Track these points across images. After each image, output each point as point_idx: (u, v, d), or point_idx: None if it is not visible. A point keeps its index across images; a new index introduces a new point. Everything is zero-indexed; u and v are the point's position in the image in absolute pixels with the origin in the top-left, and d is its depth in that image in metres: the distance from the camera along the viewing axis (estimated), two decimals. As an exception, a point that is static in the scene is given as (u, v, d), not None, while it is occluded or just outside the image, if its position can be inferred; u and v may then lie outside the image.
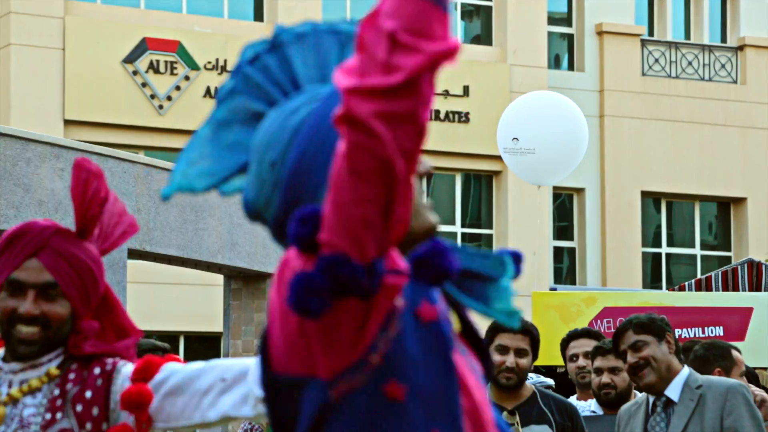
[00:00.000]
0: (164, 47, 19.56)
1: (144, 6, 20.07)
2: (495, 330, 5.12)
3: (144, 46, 19.41)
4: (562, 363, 8.08)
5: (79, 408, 2.68)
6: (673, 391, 4.95)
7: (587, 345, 6.17)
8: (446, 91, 21.11)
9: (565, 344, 6.38)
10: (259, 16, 20.77)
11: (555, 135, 10.46)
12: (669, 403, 4.97)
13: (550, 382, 7.95)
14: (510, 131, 10.64)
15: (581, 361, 6.24)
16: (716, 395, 4.89)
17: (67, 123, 18.97)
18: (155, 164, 11.97)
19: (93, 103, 19.02)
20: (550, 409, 5.06)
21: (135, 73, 19.34)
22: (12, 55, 18.80)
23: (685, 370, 4.99)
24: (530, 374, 7.99)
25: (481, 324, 2.09)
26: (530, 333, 5.14)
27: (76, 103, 19.02)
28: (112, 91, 19.13)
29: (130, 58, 19.31)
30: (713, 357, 5.95)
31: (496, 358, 5.07)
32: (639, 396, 5.25)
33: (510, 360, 5.05)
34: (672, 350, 4.97)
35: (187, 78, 19.68)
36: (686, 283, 11.27)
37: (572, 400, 6.35)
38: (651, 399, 5.02)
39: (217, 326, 14.77)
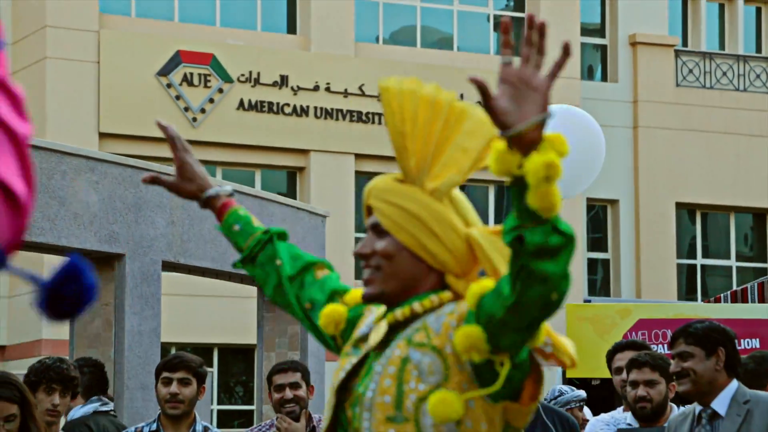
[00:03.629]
0: (198, 60, 19.63)
1: (178, 19, 20.16)
2: None
3: (178, 59, 19.50)
4: (596, 375, 8.04)
5: None
6: (720, 404, 4.92)
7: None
8: (479, 102, 21.08)
9: (610, 357, 6.33)
10: (292, 28, 20.82)
11: (572, 146, 10.49)
12: (715, 416, 4.95)
13: (583, 395, 7.90)
14: None
15: (626, 374, 6.19)
16: (763, 411, 4.86)
17: (102, 136, 19.07)
18: (189, 177, 11.97)
19: (127, 116, 19.11)
20: (553, 422, 5.04)
21: (169, 85, 19.42)
22: (47, 69, 18.93)
23: (734, 384, 4.95)
24: (564, 387, 7.96)
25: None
26: None
27: (111, 116, 19.11)
28: (147, 104, 19.22)
29: (164, 71, 19.40)
30: (765, 371, 5.89)
31: None
32: (687, 407, 5.23)
33: None
34: (720, 366, 4.94)
35: (220, 90, 19.75)
36: (722, 295, 11.19)
37: (617, 412, 6.31)
38: (698, 410, 5.01)
39: (251, 338, 14.78)
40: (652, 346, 7.85)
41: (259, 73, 19.97)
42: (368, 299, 2.60)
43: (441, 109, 2.54)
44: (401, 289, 2.54)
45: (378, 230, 2.59)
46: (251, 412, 19.32)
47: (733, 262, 22.96)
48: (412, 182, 2.56)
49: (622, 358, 6.16)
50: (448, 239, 2.53)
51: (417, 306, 2.54)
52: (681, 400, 5.76)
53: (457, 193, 2.61)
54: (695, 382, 4.92)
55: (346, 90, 20.39)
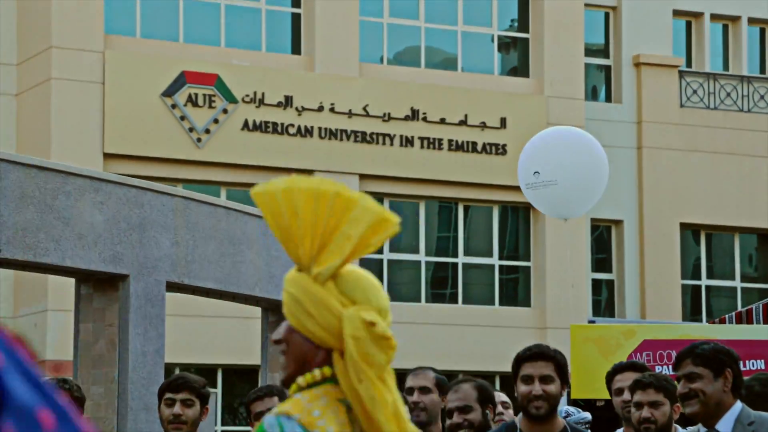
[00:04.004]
0: (202, 80, 19.67)
1: (183, 40, 20.21)
2: (519, 361, 5.13)
3: (182, 79, 19.53)
4: (600, 397, 8.02)
5: None
6: (724, 425, 4.91)
7: (632, 378, 6.12)
8: (483, 123, 21.10)
9: (610, 378, 6.33)
10: (296, 49, 20.86)
11: (575, 166, 10.49)
12: None
13: (589, 417, 7.88)
14: (530, 167, 10.69)
15: (626, 395, 6.17)
16: None
17: (107, 156, 19.09)
18: (194, 197, 12.02)
19: (132, 137, 19.14)
20: None
21: (173, 106, 19.46)
22: (52, 89, 18.97)
23: (738, 405, 4.95)
24: (570, 409, 7.94)
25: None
26: (554, 359, 5.11)
27: (116, 136, 19.14)
28: (151, 125, 19.25)
29: (169, 92, 19.44)
30: None
31: (522, 388, 5.06)
32: (690, 429, 5.22)
33: (536, 388, 5.03)
34: (728, 387, 4.93)
35: (225, 111, 19.78)
36: (726, 316, 11.17)
37: None
38: None
39: (255, 359, 14.76)
40: (657, 367, 7.83)
41: (263, 94, 19.99)
42: (282, 385, 2.85)
43: (326, 199, 2.76)
44: (299, 370, 2.77)
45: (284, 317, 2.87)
46: (255, 432, 19.29)
47: (737, 283, 22.92)
48: (304, 270, 2.79)
49: (622, 380, 6.17)
50: (322, 319, 2.74)
51: (288, 393, 2.79)
52: (686, 421, 5.75)
53: (349, 275, 2.80)
54: (704, 404, 4.91)
55: (350, 110, 20.42)
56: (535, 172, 10.51)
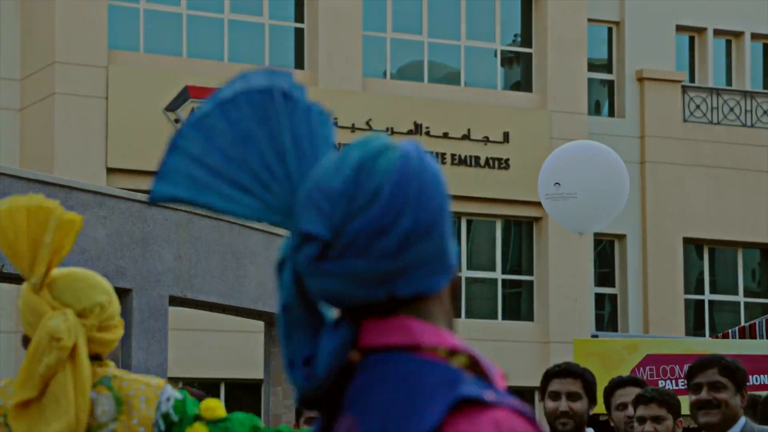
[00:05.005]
0: (206, 95, 19.64)
1: (186, 54, 20.24)
2: (547, 376, 5.13)
3: (185, 94, 19.56)
4: (604, 411, 8.02)
5: None
6: None
7: (634, 393, 6.10)
8: (486, 137, 21.11)
9: (610, 392, 6.31)
10: (300, 63, 20.89)
11: (596, 182, 10.49)
12: None
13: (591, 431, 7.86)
14: (552, 178, 10.69)
15: (630, 410, 6.16)
16: None
17: (110, 171, 19.11)
18: (196, 212, 12.02)
19: (135, 152, 19.16)
20: None
21: (177, 121, 19.48)
22: (56, 104, 19.00)
23: (743, 419, 4.96)
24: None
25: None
26: (581, 376, 5.12)
27: (119, 151, 19.16)
28: (155, 139, 19.27)
29: (172, 107, 19.46)
30: None
31: (549, 404, 5.07)
32: None
33: (563, 405, 5.04)
34: (744, 403, 4.94)
35: (228, 126, 19.79)
36: (730, 331, 11.17)
37: None
38: None
39: (258, 373, 14.74)
40: (660, 381, 7.83)
41: (266, 109, 20.01)
42: None
43: (38, 214, 3.05)
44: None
45: None
46: (258, 447, 19.25)
47: (740, 298, 22.90)
48: (29, 282, 3.13)
49: (624, 395, 6.15)
50: (36, 323, 3.11)
51: None
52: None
53: (62, 279, 3.16)
54: (725, 415, 4.89)
55: (353, 125, 20.44)
56: (556, 183, 10.51)
